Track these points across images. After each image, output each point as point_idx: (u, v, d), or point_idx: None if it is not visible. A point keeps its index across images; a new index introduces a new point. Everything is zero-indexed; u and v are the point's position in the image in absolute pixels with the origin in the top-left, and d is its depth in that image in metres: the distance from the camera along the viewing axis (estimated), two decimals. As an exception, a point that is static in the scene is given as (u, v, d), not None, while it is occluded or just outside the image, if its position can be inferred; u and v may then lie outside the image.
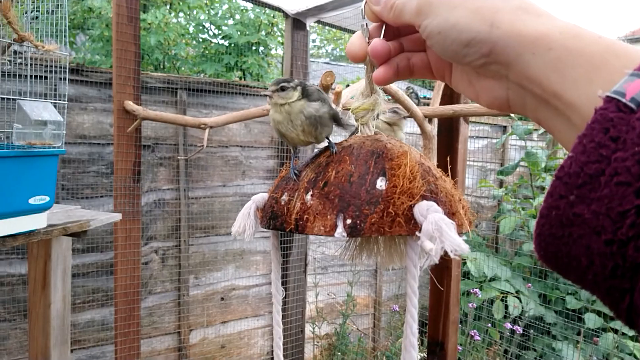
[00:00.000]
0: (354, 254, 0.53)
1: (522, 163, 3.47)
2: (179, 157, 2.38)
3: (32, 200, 1.11)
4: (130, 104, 1.88)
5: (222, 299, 2.64)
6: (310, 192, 0.42)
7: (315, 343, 2.91)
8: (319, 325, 2.87)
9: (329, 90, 1.03)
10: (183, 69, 3.64)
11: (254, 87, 2.65)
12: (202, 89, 2.47)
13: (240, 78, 3.50)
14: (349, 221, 0.40)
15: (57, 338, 1.52)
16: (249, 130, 2.66)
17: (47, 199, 1.15)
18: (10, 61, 1.22)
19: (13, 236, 1.09)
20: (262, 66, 3.45)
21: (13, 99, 1.09)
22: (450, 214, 0.42)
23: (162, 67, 3.60)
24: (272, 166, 2.76)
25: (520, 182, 3.73)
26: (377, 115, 0.48)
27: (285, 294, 2.71)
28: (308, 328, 2.81)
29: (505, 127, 3.86)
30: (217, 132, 2.53)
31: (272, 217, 0.44)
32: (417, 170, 0.42)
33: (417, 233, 0.39)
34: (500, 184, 3.95)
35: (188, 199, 2.48)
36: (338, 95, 1.08)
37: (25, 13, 1.17)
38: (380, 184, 0.41)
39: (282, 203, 0.44)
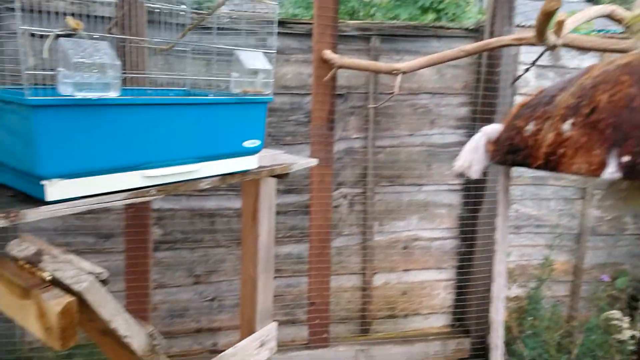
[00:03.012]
0: (617, 203, 0.42)
1: None
2: (369, 106, 2.40)
3: (245, 144, 1.23)
4: (327, 53, 1.94)
5: (405, 247, 2.66)
6: (571, 121, 0.34)
7: (505, 304, 2.75)
8: (509, 287, 2.69)
9: (551, 17, 0.87)
10: (377, 15, 3.60)
11: (450, 29, 2.47)
12: (396, 33, 2.40)
13: (435, 20, 3.31)
14: (626, 158, 0.31)
15: (264, 265, 1.71)
16: (441, 76, 2.53)
17: (258, 142, 1.26)
18: (226, 17, 1.34)
19: (231, 174, 1.24)
20: (459, 5, 3.19)
21: (229, 49, 1.20)
22: None
23: (356, 15, 3.62)
24: (464, 114, 2.59)
25: None
26: None
27: (473, 252, 2.59)
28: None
29: None
30: (407, 78, 2.46)
31: (511, 151, 0.37)
32: None
33: None
34: None
35: (375, 148, 2.51)
36: (560, 24, 0.91)
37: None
38: (678, 113, 0.31)
39: (527, 134, 0.36)
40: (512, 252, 2.77)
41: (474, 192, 2.56)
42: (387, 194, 2.58)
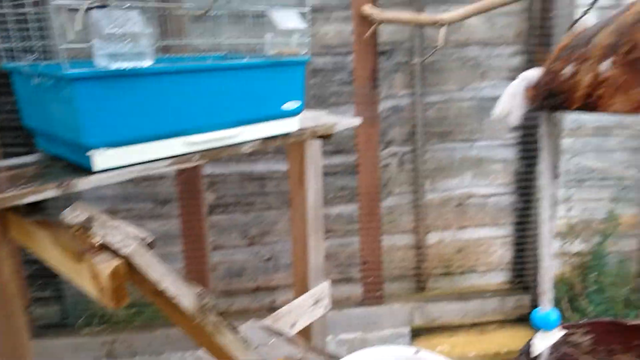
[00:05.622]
0: None
1: None
2: (413, 62, 2.31)
3: (285, 106, 1.23)
4: (367, 8, 1.87)
5: (459, 205, 2.60)
6: (609, 60, 0.31)
7: (566, 260, 2.64)
8: (571, 242, 2.58)
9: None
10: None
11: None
12: (440, -19, 2.27)
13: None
14: None
15: (313, 226, 1.74)
16: (491, 25, 2.37)
17: (298, 104, 1.25)
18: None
19: (272, 138, 1.24)
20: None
21: (262, 11, 1.18)
22: None
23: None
24: (518, 64, 2.43)
25: None
26: None
27: (531, 207, 2.49)
28: (556, 244, 2.56)
29: None
30: (455, 30, 2.33)
31: (549, 96, 0.34)
32: None
33: None
34: None
35: (423, 105, 2.43)
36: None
37: None
38: None
39: (565, 77, 0.33)
40: (574, 207, 2.63)
41: (530, 146, 2.43)
42: (438, 151, 2.51)
